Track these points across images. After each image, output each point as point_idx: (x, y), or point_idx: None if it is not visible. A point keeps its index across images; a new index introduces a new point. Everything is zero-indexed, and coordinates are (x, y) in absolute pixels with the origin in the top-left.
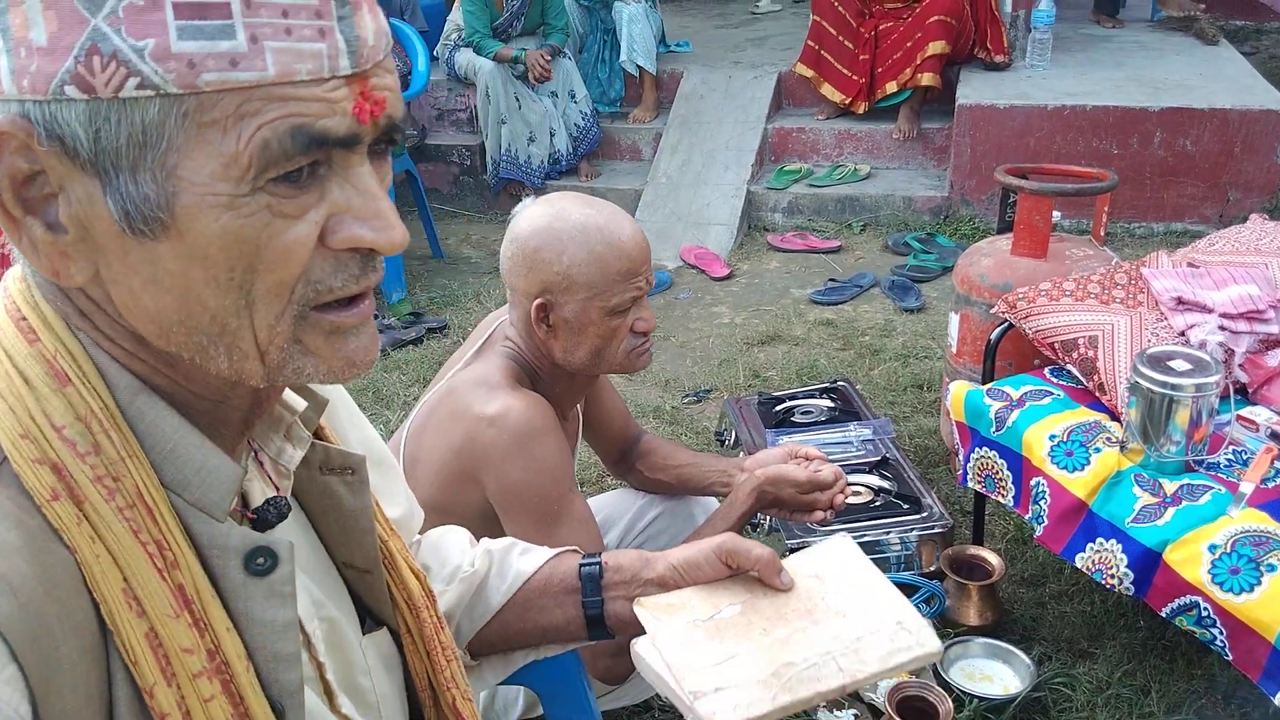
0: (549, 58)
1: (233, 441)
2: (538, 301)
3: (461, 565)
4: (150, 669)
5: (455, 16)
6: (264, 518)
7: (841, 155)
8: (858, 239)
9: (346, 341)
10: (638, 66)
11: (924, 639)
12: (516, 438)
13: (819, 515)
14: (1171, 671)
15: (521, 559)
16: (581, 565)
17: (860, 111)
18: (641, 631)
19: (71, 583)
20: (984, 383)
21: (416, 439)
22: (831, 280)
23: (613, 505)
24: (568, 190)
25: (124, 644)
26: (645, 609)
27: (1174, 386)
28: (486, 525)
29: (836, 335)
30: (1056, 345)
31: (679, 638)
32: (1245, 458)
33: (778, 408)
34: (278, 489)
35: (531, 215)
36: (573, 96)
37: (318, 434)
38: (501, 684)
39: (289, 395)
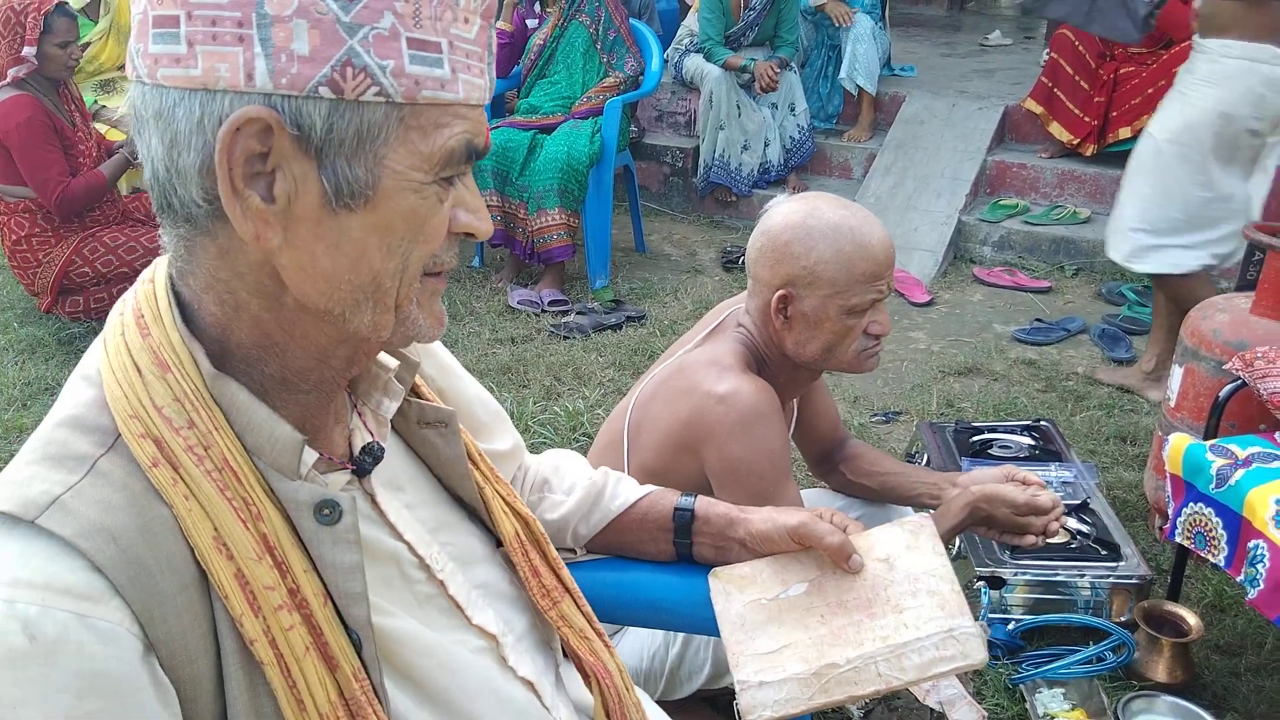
0: (778, 70)
1: (328, 397)
2: (780, 293)
3: (579, 480)
4: (238, 601)
5: (690, 22)
6: (361, 465)
7: (1062, 196)
8: (1069, 282)
9: (438, 303)
10: (857, 85)
11: (969, 650)
12: (743, 417)
13: (1030, 540)
14: None
15: (629, 485)
16: (676, 508)
17: (1088, 154)
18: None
19: (169, 532)
20: (1206, 439)
21: (643, 408)
22: (1038, 320)
23: (811, 504)
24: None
25: (216, 582)
26: (719, 580)
27: None
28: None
29: (1039, 376)
30: None
31: (741, 618)
32: None
33: (975, 438)
34: (373, 435)
35: (786, 210)
36: (792, 109)
37: (415, 392)
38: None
39: (383, 356)
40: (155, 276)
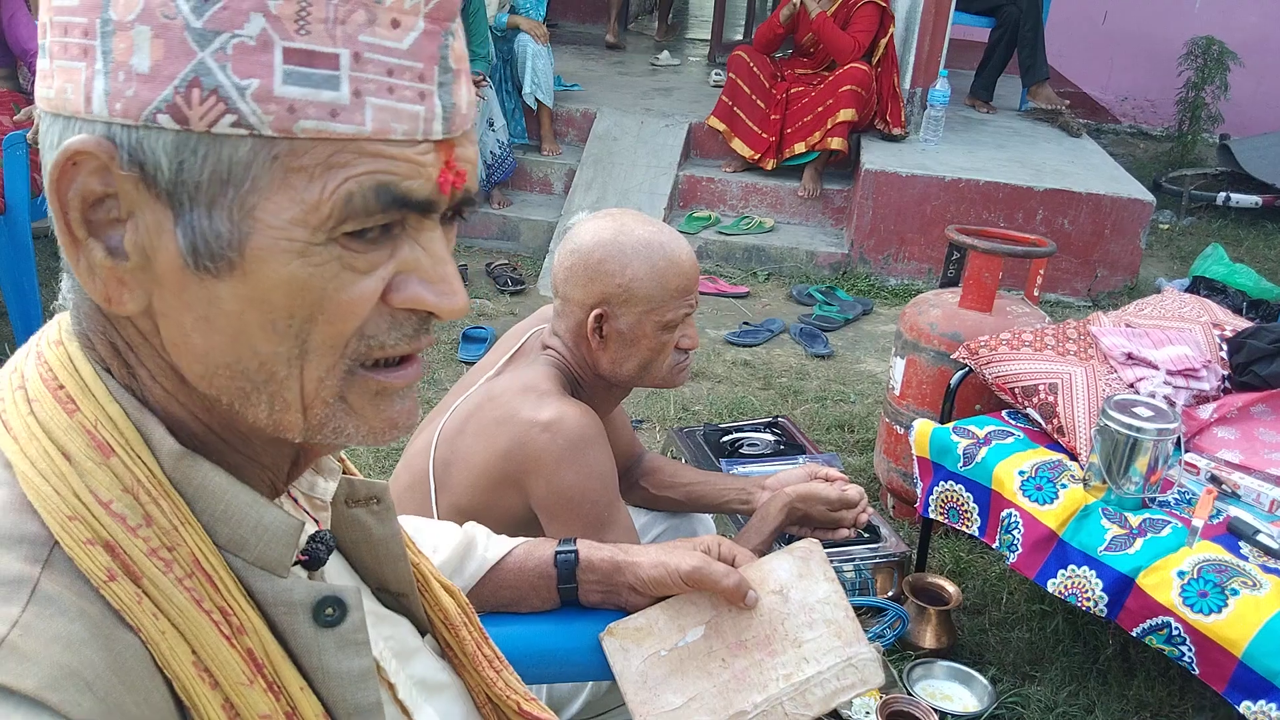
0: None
1: (275, 492)
2: (596, 312)
3: (444, 535)
4: None
5: None
6: (315, 555)
7: (747, 207)
8: (763, 287)
9: (391, 403)
10: (537, 100)
11: (868, 676)
12: (570, 443)
13: (844, 533)
14: (1108, 693)
15: (499, 538)
16: (558, 552)
17: (768, 168)
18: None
19: (142, 666)
20: (942, 423)
21: (450, 443)
22: (745, 323)
23: None
24: (481, 215)
25: (202, 718)
26: (614, 638)
27: (1138, 430)
28: (522, 531)
29: (756, 375)
30: (1017, 390)
31: (643, 675)
32: (1190, 498)
33: (724, 439)
34: (317, 522)
35: (595, 228)
36: (490, 125)
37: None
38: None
39: None
40: (62, 336)
